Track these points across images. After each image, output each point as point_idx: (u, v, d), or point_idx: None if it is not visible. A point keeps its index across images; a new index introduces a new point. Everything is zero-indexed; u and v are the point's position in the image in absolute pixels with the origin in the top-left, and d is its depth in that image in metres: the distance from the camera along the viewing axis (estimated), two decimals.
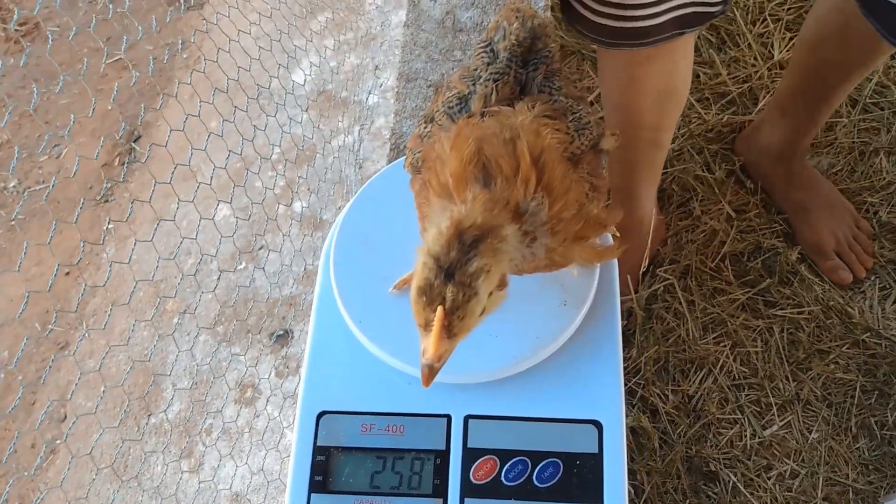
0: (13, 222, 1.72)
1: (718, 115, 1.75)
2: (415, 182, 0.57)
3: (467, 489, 0.57)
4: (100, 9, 2.04)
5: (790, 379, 1.50)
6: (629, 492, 0.57)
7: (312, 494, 0.58)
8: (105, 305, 1.56)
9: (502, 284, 0.51)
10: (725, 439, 1.45)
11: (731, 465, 1.42)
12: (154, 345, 1.46)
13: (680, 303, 1.56)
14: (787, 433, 1.46)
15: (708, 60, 1.82)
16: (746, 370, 1.51)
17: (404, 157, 0.69)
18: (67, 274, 1.64)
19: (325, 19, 1.79)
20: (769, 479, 1.42)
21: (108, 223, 1.69)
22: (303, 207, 1.54)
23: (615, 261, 0.65)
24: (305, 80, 1.68)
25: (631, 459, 1.40)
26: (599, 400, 0.60)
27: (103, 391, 1.43)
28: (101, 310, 1.56)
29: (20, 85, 1.90)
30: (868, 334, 1.52)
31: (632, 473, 1.38)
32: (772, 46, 1.82)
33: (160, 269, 1.56)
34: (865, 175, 1.69)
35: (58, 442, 1.45)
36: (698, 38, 1.85)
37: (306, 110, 1.66)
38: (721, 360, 1.51)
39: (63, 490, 1.37)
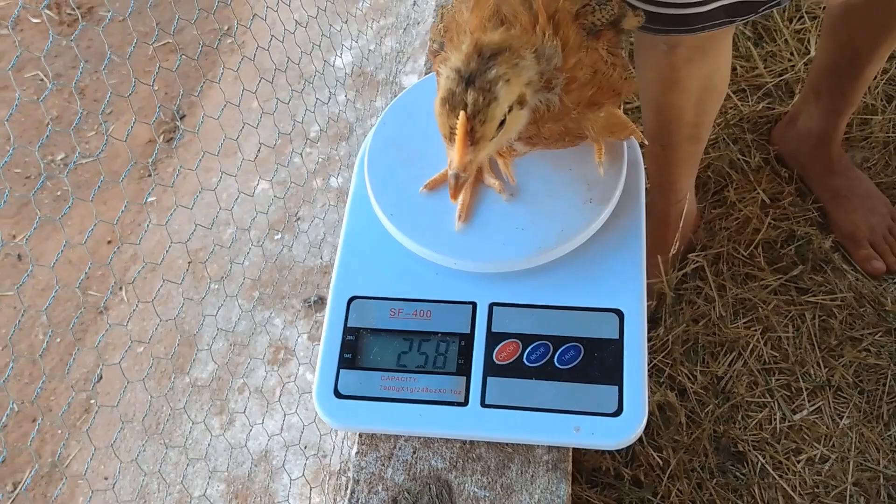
0: (59, 193, 1.77)
1: (755, 105, 1.76)
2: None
3: (490, 368, 0.59)
4: None
5: (821, 365, 1.49)
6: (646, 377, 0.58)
7: (341, 370, 0.60)
8: (144, 272, 1.61)
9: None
10: (754, 422, 1.44)
11: (760, 447, 1.41)
12: (189, 308, 1.49)
13: (711, 287, 1.56)
14: (817, 418, 1.45)
15: (745, 54, 1.83)
16: (777, 355, 1.50)
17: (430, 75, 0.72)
18: (109, 242, 1.68)
19: (365, 6, 1.84)
20: (798, 462, 1.40)
21: (150, 195, 1.74)
22: (339, 182, 1.58)
23: (642, 167, 0.67)
24: (344, 63, 1.72)
25: (657, 434, 1.40)
26: (622, 290, 0.61)
27: (140, 352, 1.46)
28: (140, 276, 1.60)
29: (71, 65, 1.97)
30: None
31: (657, 448, 1.38)
32: (808, 42, 1.83)
33: (199, 238, 1.60)
34: None
35: (92, 401, 1.48)
36: (736, 32, 1.87)
37: (344, 90, 1.70)
38: (751, 344, 1.51)
39: (93, 444, 1.40)
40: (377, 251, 0.64)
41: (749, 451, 1.40)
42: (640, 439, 1.38)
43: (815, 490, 1.37)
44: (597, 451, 1.36)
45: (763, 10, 1.11)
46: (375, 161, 0.66)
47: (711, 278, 1.56)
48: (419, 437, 0.59)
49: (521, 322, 0.60)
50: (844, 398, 1.47)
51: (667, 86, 1.24)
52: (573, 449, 1.36)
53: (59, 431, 1.46)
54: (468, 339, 0.60)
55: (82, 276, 1.64)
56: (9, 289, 1.61)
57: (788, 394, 1.47)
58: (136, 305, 1.55)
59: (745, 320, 1.53)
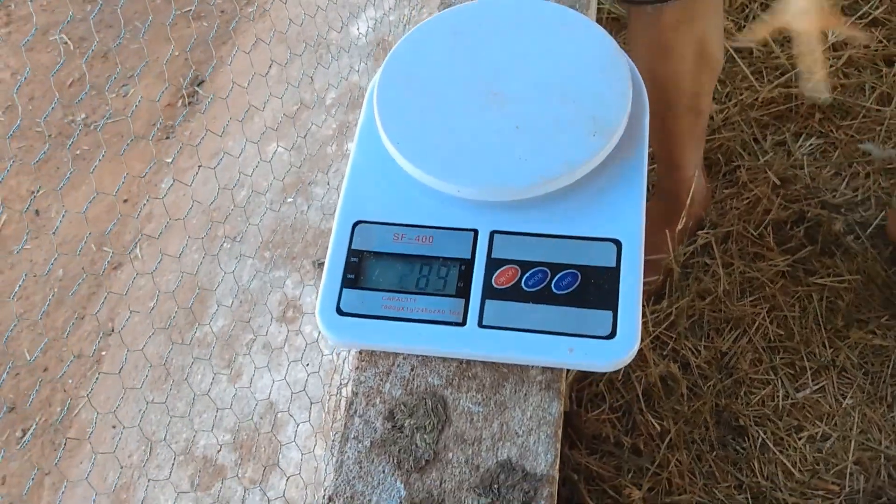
0: (78, 152, 1.80)
1: (771, 88, 1.76)
2: None
3: (489, 292, 0.61)
4: None
5: (826, 345, 1.50)
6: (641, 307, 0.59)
7: (344, 289, 0.62)
8: (159, 231, 1.63)
9: None
10: (757, 398, 1.44)
11: (761, 422, 1.42)
12: (204, 265, 1.51)
13: (718, 265, 1.57)
14: (820, 397, 1.45)
15: (761, 38, 1.84)
16: (782, 333, 1.51)
17: (442, 12, 0.73)
18: (126, 201, 1.71)
19: None
20: (800, 439, 1.41)
21: (168, 157, 1.76)
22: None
23: (646, 101, 0.68)
24: (362, 31, 1.74)
25: (657, 404, 1.41)
26: (621, 221, 0.62)
27: (151, 304, 1.49)
28: (156, 232, 1.62)
29: (96, 30, 1.99)
30: None
31: (658, 418, 1.39)
32: (826, 28, 1.83)
33: (216, 198, 1.62)
34: None
35: (103, 353, 1.51)
36: (752, 17, 1.87)
37: (361, 58, 1.71)
38: (757, 322, 1.51)
39: (106, 391, 1.43)
40: (383, 179, 0.66)
41: (750, 425, 1.41)
42: (640, 409, 1.40)
43: (816, 467, 1.38)
44: (597, 419, 1.38)
45: None
46: (385, 92, 0.67)
47: (719, 256, 1.57)
48: (417, 356, 0.61)
49: (521, 249, 0.62)
50: (848, 378, 1.47)
51: (659, 54, 1.25)
52: (573, 415, 1.38)
53: (70, 381, 1.48)
54: (468, 264, 0.61)
55: (109, 228, 1.67)
56: (29, 242, 1.64)
57: (792, 372, 1.48)
58: (141, 259, 1.57)
59: (751, 299, 1.54)
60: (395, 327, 0.60)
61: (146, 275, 1.55)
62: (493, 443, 0.57)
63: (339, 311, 0.61)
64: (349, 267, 0.63)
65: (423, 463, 0.56)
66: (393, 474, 0.56)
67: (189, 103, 1.85)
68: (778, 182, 1.65)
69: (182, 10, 2.04)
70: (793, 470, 1.37)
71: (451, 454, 0.57)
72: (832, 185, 1.66)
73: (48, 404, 1.46)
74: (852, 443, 1.41)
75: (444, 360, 0.61)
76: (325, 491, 1.13)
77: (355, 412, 0.59)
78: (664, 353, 1.48)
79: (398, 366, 0.61)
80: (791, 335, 1.51)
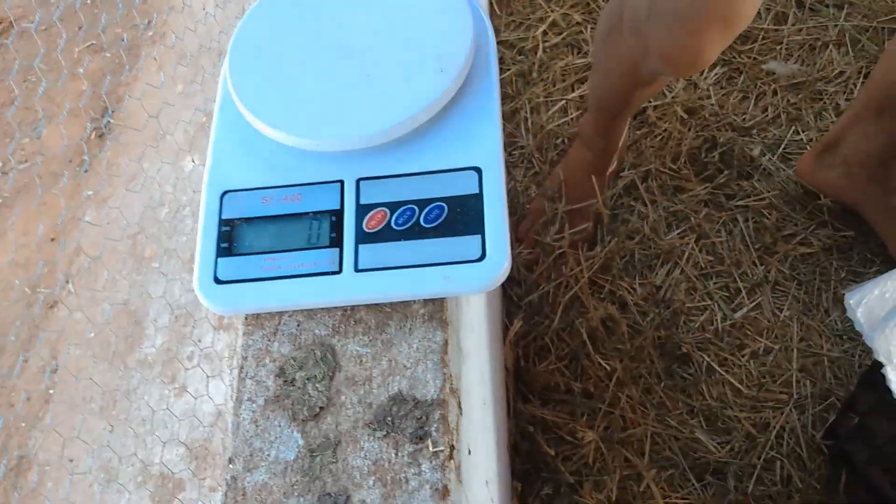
0: (1, 200, 1.78)
1: None
2: None
3: (361, 237, 0.62)
4: (71, 2, 2.12)
5: (757, 263, 1.53)
6: (509, 232, 0.61)
7: (219, 259, 0.63)
8: (88, 263, 1.62)
9: None
10: (696, 325, 1.47)
11: (704, 347, 1.45)
12: (133, 288, 1.51)
13: (644, 203, 1.59)
14: (758, 314, 1.48)
15: None
16: (713, 259, 1.54)
17: None
18: (53, 240, 1.70)
19: None
20: (743, 357, 1.44)
21: (88, 190, 1.75)
22: None
23: (491, 33, 0.70)
24: None
25: (602, 346, 1.43)
26: (479, 150, 0.64)
27: (90, 336, 1.48)
28: (84, 267, 1.62)
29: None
30: (833, 215, 1.55)
31: (604, 357, 1.41)
32: None
33: (137, 222, 1.62)
34: (819, 67, 1.72)
35: (51, 391, 1.50)
36: None
37: None
38: (686, 253, 1.54)
39: (57, 433, 1.42)
40: (245, 147, 0.67)
41: (693, 352, 1.44)
42: (586, 353, 1.42)
43: (762, 380, 1.41)
44: (545, 370, 1.40)
45: None
46: (236, 60, 0.68)
47: (644, 194, 1.59)
48: (302, 311, 0.62)
49: (388, 192, 0.63)
50: (783, 291, 1.51)
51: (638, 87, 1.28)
52: (523, 370, 1.39)
53: (24, 424, 1.47)
54: (338, 214, 0.62)
55: (38, 270, 1.66)
56: None
57: (727, 294, 1.51)
58: (76, 294, 1.57)
59: (678, 231, 1.57)
60: (275, 287, 0.61)
61: (82, 309, 1.54)
62: (383, 379, 0.58)
63: (217, 280, 0.62)
64: (222, 236, 0.64)
65: (318, 410, 0.58)
66: (289, 426, 0.57)
67: (101, 135, 1.84)
68: (686, 115, 1.68)
69: (83, 44, 2.03)
70: (740, 387, 1.40)
71: (343, 397, 0.58)
72: (741, 108, 1.69)
73: (5, 450, 1.45)
74: (794, 352, 1.44)
75: (329, 310, 0.62)
76: (225, 454, 1.13)
77: (246, 375, 0.60)
78: (602, 296, 1.50)
79: (284, 324, 0.62)
80: (721, 260, 1.54)
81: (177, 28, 1.97)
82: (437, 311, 0.61)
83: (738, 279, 1.52)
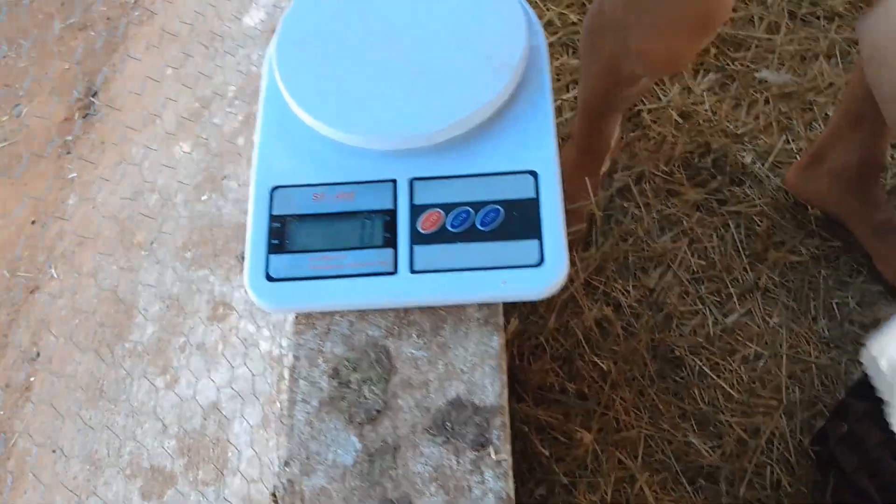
0: None
1: None
2: None
3: (416, 238, 0.61)
4: None
5: (748, 269, 1.55)
6: (564, 236, 0.60)
7: (270, 255, 0.61)
8: (73, 247, 1.58)
9: None
10: (688, 328, 1.49)
11: (696, 351, 1.46)
12: (122, 276, 1.48)
13: (637, 206, 1.60)
14: (748, 320, 1.50)
15: None
16: (704, 263, 1.55)
17: None
18: (34, 223, 1.65)
19: None
20: (734, 362, 1.46)
21: (72, 172, 1.71)
22: None
23: (542, 34, 0.69)
24: (255, 20, 1.71)
25: (597, 347, 1.44)
26: (534, 153, 0.63)
27: (75, 323, 1.45)
28: (69, 251, 1.57)
29: None
30: (821, 225, 1.57)
31: (598, 358, 1.42)
32: None
33: (124, 208, 1.58)
34: (810, 78, 1.75)
35: (32, 379, 1.46)
36: None
37: (258, 47, 1.69)
38: (679, 256, 1.56)
39: (42, 411, 1.38)
40: (294, 142, 0.65)
41: (686, 355, 1.45)
42: (580, 354, 1.42)
43: (752, 385, 1.43)
44: (540, 370, 1.40)
45: None
46: (284, 54, 0.67)
47: (637, 196, 1.60)
48: (354, 312, 0.61)
49: (442, 192, 0.62)
50: (773, 297, 1.53)
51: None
52: (517, 369, 1.39)
53: (2, 412, 1.43)
54: (392, 213, 0.61)
55: (19, 252, 1.61)
56: None
57: (719, 300, 1.52)
58: (59, 279, 1.52)
59: (671, 234, 1.58)
60: (328, 286, 0.60)
61: (66, 295, 1.50)
62: (440, 384, 0.57)
63: (269, 278, 0.61)
64: (273, 233, 0.62)
65: (374, 413, 0.57)
66: (345, 429, 0.56)
67: (85, 116, 1.79)
68: (680, 120, 1.69)
69: (65, 22, 1.97)
70: (731, 392, 1.42)
71: (400, 401, 0.57)
72: (733, 115, 1.71)
73: None
74: (784, 358, 1.46)
75: (381, 311, 0.61)
76: (279, 458, 1.12)
77: (299, 375, 0.58)
78: (596, 297, 1.51)
79: (336, 324, 0.61)
80: (713, 264, 1.55)
81: (165, 8, 1.93)
82: (492, 315, 0.60)
83: (729, 285, 1.53)
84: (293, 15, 0.69)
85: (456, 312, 0.60)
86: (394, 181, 0.63)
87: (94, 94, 1.83)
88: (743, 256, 1.56)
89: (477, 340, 0.58)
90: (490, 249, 0.60)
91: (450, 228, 0.61)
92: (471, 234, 0.60)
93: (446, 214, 0.61)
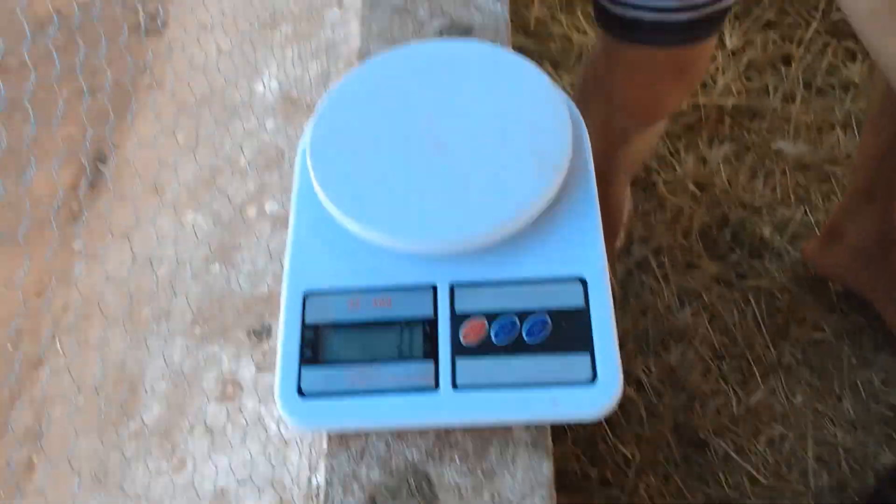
0: None
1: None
2: None
3: (458, 349, 0.57)
4: (60, 44, 2.06)
5: (770, 346, 1.51)
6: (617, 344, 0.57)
7: (303, 367, 0.58)
8: (79, 319, 1.54)
9: None
10: (712, 409, 1.44)
11: (720, 433, 1.42)
12: (129, 351, 1.43)
13: (656, 279, 1.57)
14: (772, 399, 1.46)
15: None
16: (726, 340, 1.52)
17: (371, 58, 0.70)
18: (38, 295, 1.61)
19: (286, 32, 1.82)
20: (758, 444, 1.41)
21: (78, 241, 1.68)
22: (276, 207, 1.55)
23: (585, 129, 0.67)
24: (270, 89, 1.70)
25: (619, 430, 1.39)
26: (582, 258, 0.60)
27: (80, 401, 1.40)
28: (74, 324, 1.53)
29: None
30: (843, 300, 1.54)
31: (621, 442, 1.37)
32: (723, 36, 1.88)
33: (132, 279, 1.54)
34: (827, 149, 1.73)
35: (33, 457, 1.41)
36: None
37: (272, 117, 1.67)
38: (700, 332, 1.52)
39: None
40: (328, 243, 0.62)
41: (710, 437, 1.41)
42: (602, 437, 1.38)
43: (779, 469, 1.38)
44: (561, 455, 1.35)
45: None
46: (318, 149, 0.64)
47: (656, 269, 1.57)
48: (392, 431, 0.57)
49: (485, 299, 0.59)
50: (796, 376, 1.49)
51: (639, 93, 1.24)
52: None
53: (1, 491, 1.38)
54: (432, 322, 0.57)
55: (20, 324, 1.57)
56: None
57: (741, 378, 1.48)
58: (63, 354, 1.48)
59: (691, 309, 1.55)
60: (365, 402, 0.56)
61: (70, 370, 1.46)
62: None
63: (301, 393, 0.57)
64: (305, 343, 0.58)
65: None
66: None
67: (92, 183, 1.77)
68: (697, 191, 1.67)
69: (73, 86, 1.96)
70: (757, 476, 1.37)
71: None
72: (750, 186, 1.69)
73: None
74: (809, 440, 1.42)
75: (421, 430, 0.57)
76: None
77: (332, 502, 0.54)
78: None
79: (372, 444, 0.57)
80: (735, 341, 1.52)
81: (176, 74, 1.92)
82: (540, 437, 0.56)
83: (751, 362, 1.49)
84: (328, 107, 0.67)
85: (501, 433, 0.56)
86: (434, 287, 0.59)
87: (103, 161, 1.81)
88: (765, 333, 1.53)
89: (525, 466, 0.54)
90: (538, 364, 0.56)
91: (494, 340, 0.57)
92: (517, 347, 0.57)
93: (490, 324, 0.57)
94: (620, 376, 0.56)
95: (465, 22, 0.81)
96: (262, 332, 1.41)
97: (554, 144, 0.63)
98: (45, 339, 1.52)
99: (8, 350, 1.54)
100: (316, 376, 0.57)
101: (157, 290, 1.50)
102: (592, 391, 0.55)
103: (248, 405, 1.33)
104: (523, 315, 0.58)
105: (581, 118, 0.67)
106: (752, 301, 1.55)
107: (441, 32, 0.81)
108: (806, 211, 1.67)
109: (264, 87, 1.69)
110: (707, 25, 1.02)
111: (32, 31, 1.93)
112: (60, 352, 1.49)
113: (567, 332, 0.57)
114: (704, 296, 1.55)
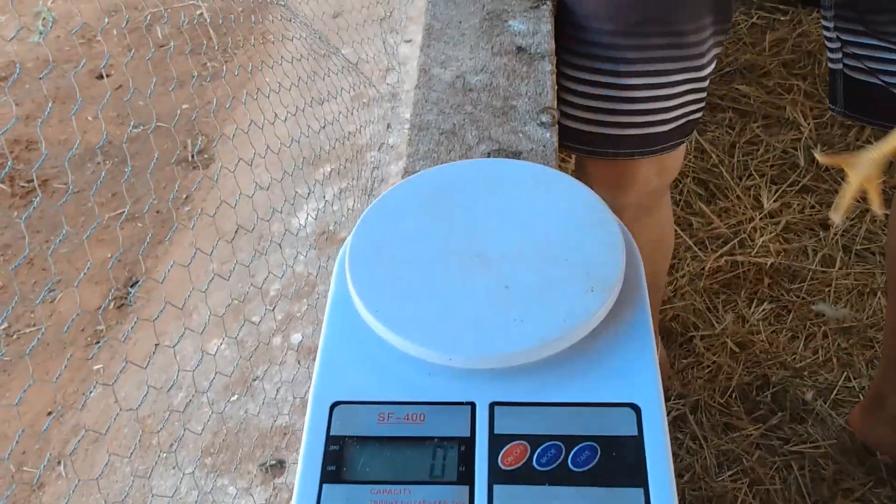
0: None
1: (715, 255, 1.77)
2: None
3: (496, 475, 0.52)
4: (108, 168, 2.11)
5: None
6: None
7: (324, 485, 0.52)
8: (86, 444, 1.49)
9: None
10: None
11: None
12: (135, 480, 1.37)
13: (693, 439, 1.49)
14: None
15: (699, 211, 1.87)
16: None
17: (415, 174, 0.69)
18: (50, 413, 1.57)
19: (327, 171, 1.85)
20: None
21: (98, 363, 1.65)
22: (301, 339, 1.51)
23: (638, 252, 0.63)
24: (304, 222, 1.71)
25: None
26: (635, 383, 0.55)
27: None
28: (82, 448, 1.48)
29: (20, 237, 1.92)
30: (892, 472, 1.45)
31: None
32: (759, 197, 1.88)
33: (148, 405, 1.50)
34: (869, 314, 1.68)
35: None
36: (688, 191, 1.92)
37: (305, 249, 1.67)
38: (739, 498, 1.42)
39: None
40: (361, 352, 0.58)
41: None
42: None
43: None
44: None
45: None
46: (357, 257, 0.61)
47: (695, 428, 1.50)
48: None
49: (527, 422, 0.54)
50: None
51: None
52: None
53: None
54: (468, 443, 0.53)
55: (17, 451, 1.51)
56: None
57: None
58: (66, 478, 1.42)
59: (730, 473, 1.46)
60: None
61: (71, 499, 1.39)
62: None
63: None
64: (329, 457, 0.53)
65: None
66: None
67: (121, 306, 1.75)
68: (736, 349, 1.62)
69: (115, 211, 1.99)
70: None
71: None
72: (791, 348, 1.63)
73: None
74: None
75: None
76: None
77: None
78: None
79: None
80: None
81: (216, 206, 1.94)
82: None
83: None
84: (370, 217, 0.64)
85: None
86: (472, 404, 0.55)
87: (133, 285, 1.80)
88: (809, 503, 1.42)
89: None
90: (585, 496, 0.50)
91: (536, 466, 0.52)
92: (561, 475, 0.51)
93: (532, 449, 0.52)
94: None
95: (514, 148, 0.80)
96: (273, 467, 1.34)
97: (606, 263, 0.60)
98: (50, 462, 1.46)
99: (10, 470, 1.48)
100: (338, 494, 0.52)
101: (170, 418, 1.45)
102: None
103: None
104: (570, 441, 0.53)
105: (633, 241, 0.64)
106: (795, 468, 1.46)
107: (489, 156, 0.80)
108: (849, 376, 1.60)
109: (298, 220, 1.70)
110: None
111: (82, 155, 1.98)
112: (63, 475, 1.42)
113: (618, 462, 0.52)
114: (745, 459, 1.47)
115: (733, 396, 1.55)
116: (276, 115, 1.75)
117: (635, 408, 0.54)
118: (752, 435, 1.50)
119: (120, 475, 1.40)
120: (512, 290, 0.59)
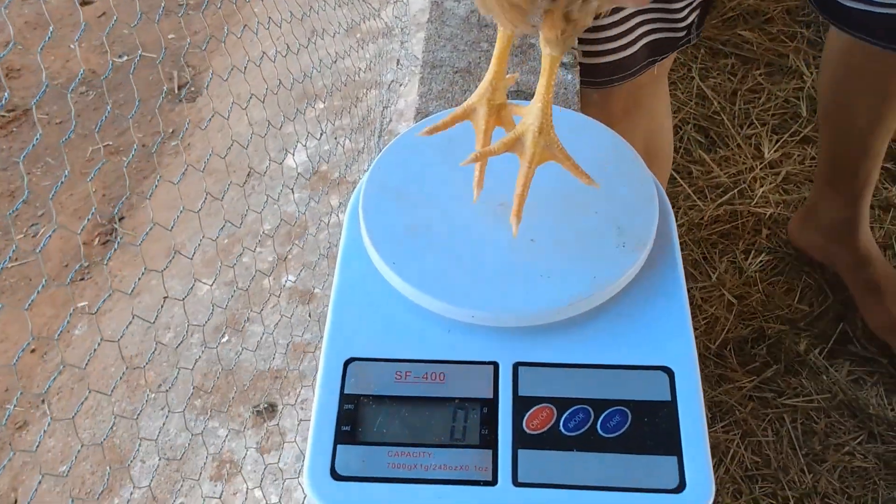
0: None
1: (715, 206, 1.74)
2: None
3: (520, 439, 0.49)
4: (90, 100, 2.04)
5: (806, 471, 1.41)
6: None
7: (339, 446, 0.49)
8: (72, 382, 1.45)
9: None
10: None
11: None
12: (121, 420, 1.34)
13: None
14: None
15: (699, 159, 1.84)
16: (759, 460, 1.42)
17: (431, 116, 0.65)
18: (33, 351, 1.53)
19: (321, 108, 1.79)
20: None
21: (82, 300, 1.60)
22: (292, 280, 1.47)
23: (671, 210, 0.60)
24: (297, 162, 1.66)
25: None
26: (668, 345, 0.52)
27: (66, 470, 1.30)
28: (67, 387, 1.44)
29: (2, 167, 1.85)
30: (883, 426, 1.45)
31: None
32: (760, 146, 1.85)
33: (135, 343, 1.46)
34: None
35: None
36: (688, 139, 1.88)
37: (297, 189, 1.62)
38: (732, 450, 1.42)
39: None
40: (377, 307, 0.54)
41: None
42: None
43: None
44: None
45: (680, 47, 1.15)
46: (371, 208, 0.57)
47: None
48: None
49: (553, 384, 0.51)
50: None
51: None
52: None
53: None
54: (491, 405, 0.50)
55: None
56: None
57: (774, 503, 1.38)
58: (51, 416, 1.39)
59: (722, 424, 1.45)
60: (408, 492, 0.48)
61: (55, 436, 1.36)
62: None
63: (335, 475, 0.48)
64: (343, 416, 0.50)
65: None
66: None
67: (105, 242, 1.70)
68: (733, 300, 1.60)
69: (101, 144, 1.92)
70: None
71: None
72: (787, 300, 1.62)
73: None
74: None
75: None
76: None
77: None
78: None
79: None
80: (768, 462, 1.42)
81: (203, 141, 1.88)
82: None
83: (785, 486, 1.39)
84: (385, 159, 0.60)
85: None
86: (495, 364, 0.52)
87: (119, 221, 1.75)
88: (800, 456, 1.43)
89: None
90: (615, 463, 0.48)
91: (563, 430, 0.49)
92: (590, 441, 0.49)
93: (559, 412, 0.50)
94: (713, 485, 0.48)
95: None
96: (265, 410, 1.32)
97: (639, 217, 0.56)
98: (34, 400, 1.43)
99: None
100: (353, 457, 0.49)
101: (160, 358, 1.42)
102: (680, 501, 0.47)
103: (243, 489, 1.23)
104: (599, 405, 0.50)
105: (667, 198, 0.61)
106: (788, 421, 1.46)
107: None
108: (845, 330, 1.59)
109: (292, 159, 1.64)
110: None
111: (63, 86, 1.91)
112: (48, 414, 1.39)
113: (650, 428, 0.49)
114: (737, 411, 1.46)
115: (728, 348, 1.54)
116: (263, 53, 1.68)
117: (668, 371, 0.51)
118: (745, 387, 1.49)
119: (106, 414, 1.37)
120: (538, 243, 0.56)
